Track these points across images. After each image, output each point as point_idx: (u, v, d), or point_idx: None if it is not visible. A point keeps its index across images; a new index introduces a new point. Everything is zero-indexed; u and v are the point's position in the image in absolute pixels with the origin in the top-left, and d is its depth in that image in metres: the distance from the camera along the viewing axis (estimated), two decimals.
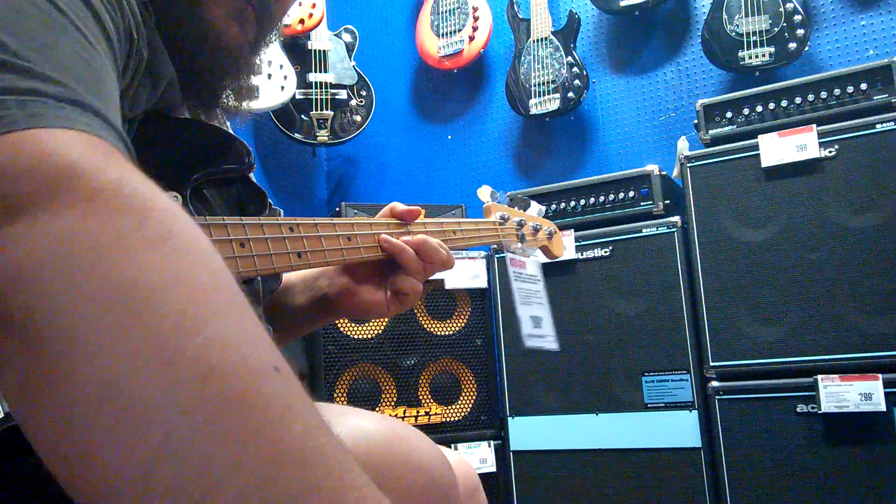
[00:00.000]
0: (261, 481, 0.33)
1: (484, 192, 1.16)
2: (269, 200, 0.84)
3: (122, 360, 0.33)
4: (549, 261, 1.32)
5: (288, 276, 1.01)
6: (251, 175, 0.80)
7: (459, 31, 2.82)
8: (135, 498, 0.32)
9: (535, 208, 1.26)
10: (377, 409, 2.11)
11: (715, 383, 1.86)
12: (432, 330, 2.21)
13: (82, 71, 0.44)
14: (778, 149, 1.83)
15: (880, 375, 1.65)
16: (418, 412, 2.12)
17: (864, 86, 1.83)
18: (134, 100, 0.61)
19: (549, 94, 2.60)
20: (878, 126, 1.73)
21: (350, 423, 0.53)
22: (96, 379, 0.33)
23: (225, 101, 0.81)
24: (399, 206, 0.94)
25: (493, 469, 2.15)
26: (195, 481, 0.32)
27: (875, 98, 1.82)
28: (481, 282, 2.24)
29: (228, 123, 0.92)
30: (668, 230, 1.98)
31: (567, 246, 2.08)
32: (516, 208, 1.22)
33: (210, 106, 0.81)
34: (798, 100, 1.91)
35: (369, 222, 0.90)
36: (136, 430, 0.33)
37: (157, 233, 0.37)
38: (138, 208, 0.38)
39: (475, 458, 2.14)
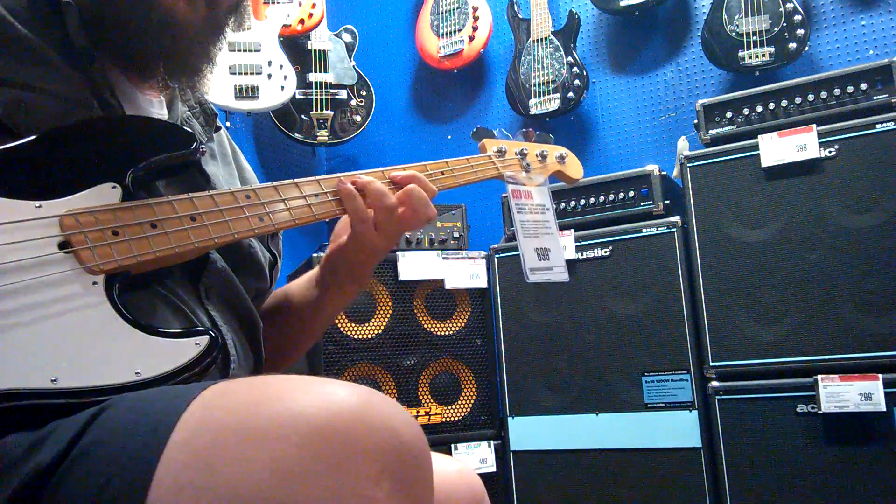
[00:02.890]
0: None
1: (477, 134, 1.09)
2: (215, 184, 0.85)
3: None
4: (568, 186, 1.20)
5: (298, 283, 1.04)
6: (202, 162, 0.81)
7: (459, 31, 2.82)
8: None
9: (542, 137, 1.16)
10: None
11: (715, 383, 1.86)
12: (432, 330, 2.21)
13: None
14: (778, 149, 1.82)
15: (880, 375, 1.65)
16: (418, 412, 2.12)
17: (864, 86, 1.83)
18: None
19: (549, 94, 2.60)
20: (878, 126, 1.73)
21: (324, 390, 0.54)
22: None
23: (186, 78, 0.84)
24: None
25: (493, 469, 2.15)
26: None
27: (875, 98, 1.81)
28: (481, 282, 2.24)
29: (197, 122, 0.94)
30: (668, 230, 1.98)
31: (567, 246, 2.09)
32: (520, 140, 1.13)
33: (168, 81, 0.84)
34: (798, 100, 1.91)
35: (338, 177, 0.87)
36: None
37: None
38: None
39: (475, 458, 2.14)
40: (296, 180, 0.83)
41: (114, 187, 0.69)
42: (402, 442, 0.53)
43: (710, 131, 2.02)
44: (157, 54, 0.79)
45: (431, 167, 0.96)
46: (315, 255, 2.15)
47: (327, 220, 0.86)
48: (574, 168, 1.17)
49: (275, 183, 0.81)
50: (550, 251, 1.08)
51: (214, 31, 0.83)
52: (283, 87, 2.60)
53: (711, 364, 1.87)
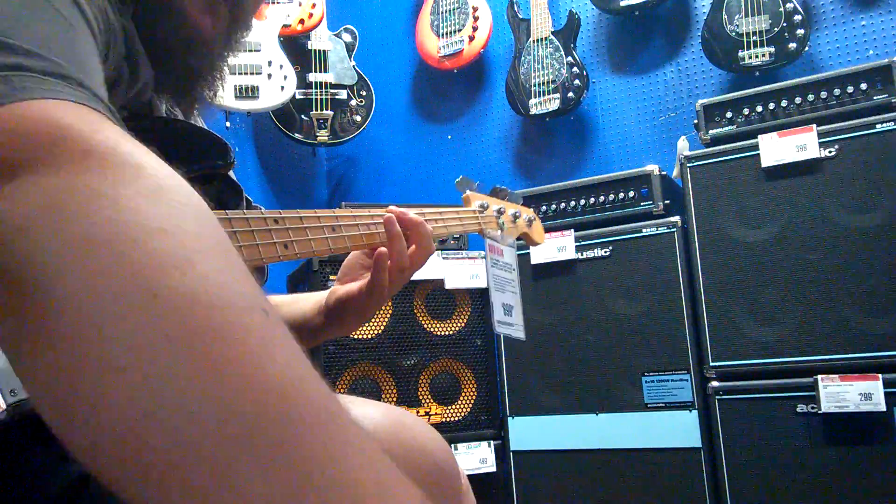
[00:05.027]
0: (242, 410, 0.33)
1: (461, 183, 1.16)
2: (249, 197, 0.84)
3: (108, 294, 0.34)
4: (529, 249, 1.30)
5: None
6: (230, 172, 0.80)
7: (459, 31, 2.82)
8: (121, 431, 0.32)
9: (514, 197, 1.26)
10: None
11: (715, 383, 1.86)
12: (432, 330, 2.21)
13: (66, 48, 0.44)
14: (778, 149, 1.83)
15: (880, 375, 1.65)
16: (418, 412, 2.12)
17: (864, 86, 1.83)
18: (113, 89, 0.61)
19: (549, 94, 2.60)
20: (878, 126, 1.73)
21: (356, 411, 0.54)
22: (83, 312, 0.33)
23: (201, 95, 0.82)
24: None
25: (493, 469, 2.15)
26: (177, 406, 0.32)
27: (875, 98, 1.81)
28: (481, 282, 2.24)
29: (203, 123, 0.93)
30: (668, 230, 1.98)
31: (567, 246, 2.09)
32: (495, 197, 1.23)
33: (187, 100, 0.83)
34: (798, 100, 1.91)
35: (353, 214, 0.89)
36: (122, 358, 0.33)
37: (151, 185, 0.38)
38: (134, 164, 0.38)
39: (475, 458, 2.14)
40: (317, 212, 0.83)
41: None
42: (437, 463, 0.54)
43: (710, 131, 2.02)
44: (178, 70, 0.77)
45: (429, 214, 1.01)
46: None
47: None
48: (538, 233, 1.29)
49: (300, 212, 0.80)
50: (514, 308, 1.18)
51: (230, 47, 0.83)
52: (283, 87, 2.60)
53: (711, 364, 1.87)
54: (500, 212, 1.19)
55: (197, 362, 0.33)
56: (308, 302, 1.00)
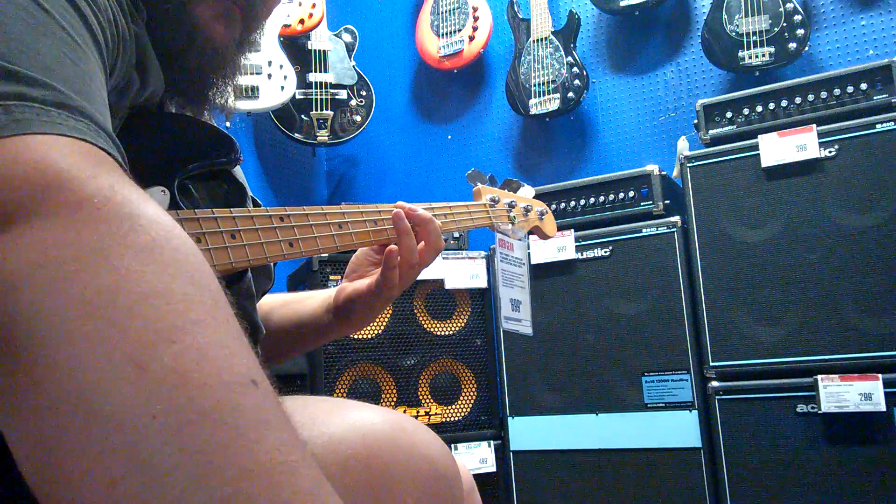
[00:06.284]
0: (227, 495, 0.32)
1: (472, 176, 1.14)
2: (252, 195, 0.84)
3: (97, 366, 0.33)
4: (542, 241, 1.29)
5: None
6: (235, 170, 0.80)
7: (459, 31, 2.82)
8: None
9: (527, 190, 1.23)
10: None
11: (715, 383, 1.86)
12: (432, 330, 2.21)
13: (69, 72, 0.43)
14: (778, 149, 1.83)
15: (880, 375, 1.65)
16: (418, 412, 2.12)
17: (864, 86, 1.83)
18: (121, 96, 0.61)
19: (549, 94, 2.60)
20: (878, 126, 1.73)
21: (355, 415, 0.54)
22: (70, 385, 0.33)
23: (212, 99, 0.81)
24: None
25: (493, 469, 2.15)
26: (161, 493, 0.32)
27: (875, 98, 1.81)
28: (481, 282, 2.24)
29: (214, 122, 0.92)
30: (668, 230, 1.98)
31: (567, 246, 2.09)
32: (507, 190, 1.20)
33: (198, 104, 0.82)
34: (798, 100, 1.91)
35: (359, 210, 0.88)
36: (106, 437, 0.32)
37: (143, 241, 0.37)
38: (126, 216, 0.37)
39: (475, 458, 2.14)
40: (324, 208, 0.83)
41: (163, 192, 0.66)
42: (438, 470, 0.53)
43: (710, 131, 2.02)
44: (190, 76, 0.76)
45: (438, 209, 0.99)
46: (314, 256, 2.15)
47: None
48: (550, 226, 1.26)
49: (306, 209, 0.80)
50: (521, 304, 1.16)
51: (242, 53, 0.82)
52: (283, 87, 2.60)
53: (711, 364, 1.87)
54: (511, 205, 1.15)
55: (184, 448, 0.32)
56: (317, 299, 0.99)
